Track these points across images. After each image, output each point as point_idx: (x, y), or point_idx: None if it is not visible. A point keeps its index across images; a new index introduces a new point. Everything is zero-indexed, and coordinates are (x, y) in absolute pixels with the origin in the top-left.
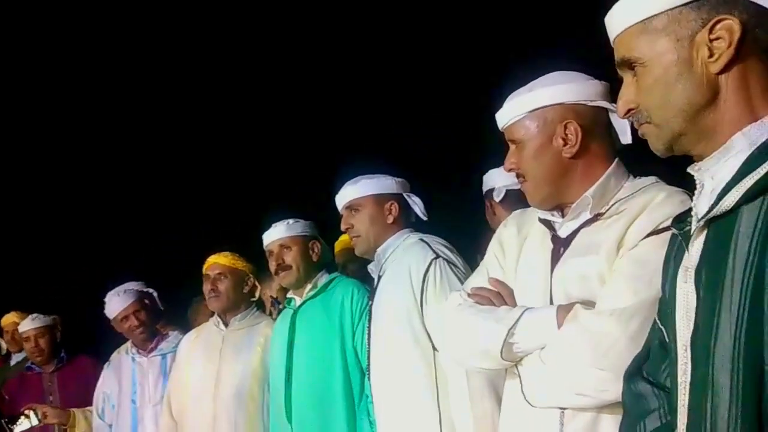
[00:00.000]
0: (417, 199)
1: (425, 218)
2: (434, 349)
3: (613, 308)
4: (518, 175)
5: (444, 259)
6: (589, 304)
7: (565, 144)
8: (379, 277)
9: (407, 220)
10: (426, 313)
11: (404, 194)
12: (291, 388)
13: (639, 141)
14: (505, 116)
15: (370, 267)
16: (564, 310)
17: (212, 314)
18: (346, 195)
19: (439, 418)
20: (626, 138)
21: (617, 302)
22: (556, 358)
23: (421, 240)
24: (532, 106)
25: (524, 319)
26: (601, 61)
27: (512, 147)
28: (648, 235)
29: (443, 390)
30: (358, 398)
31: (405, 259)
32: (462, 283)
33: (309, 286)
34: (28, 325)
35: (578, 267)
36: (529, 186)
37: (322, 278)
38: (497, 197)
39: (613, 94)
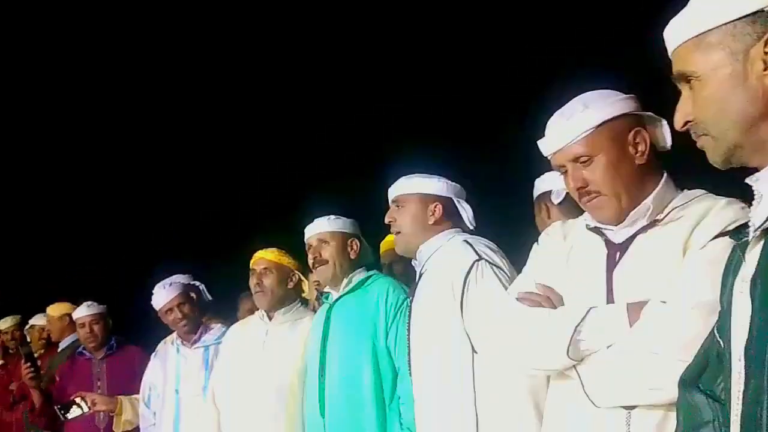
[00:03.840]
0: (467, 206)
1: (472, 227)
2: (473, 351)
3: (695, 302)
4: (587, 193)
5: (487, 261)
6: None
7: (636, 152)
8: (420, 275)
9: (454, 224)
10: (466, 315)
11: (454, 199)
12: (324, 383)
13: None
14: (564, 137)
15: (414, 262)
16: (635, 308)
17: (252, 310)
18: (395, 189)
19: (476, 422)
20: (667, 144)
21: (696, 297)
22: (630, 353)
23: (465, 241)
24: (599, 120)
25: (591, 316)
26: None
27: (575, 165)
28: (716, 237)
29: (481, 394)
30: (389, 399)
31: (447, 260)
32: (504, 285)
33: (345, 282)
34: (84, 311)
35: (642, 268)
36: (606, 200)
37: (359, 275)
38: (556, 200)
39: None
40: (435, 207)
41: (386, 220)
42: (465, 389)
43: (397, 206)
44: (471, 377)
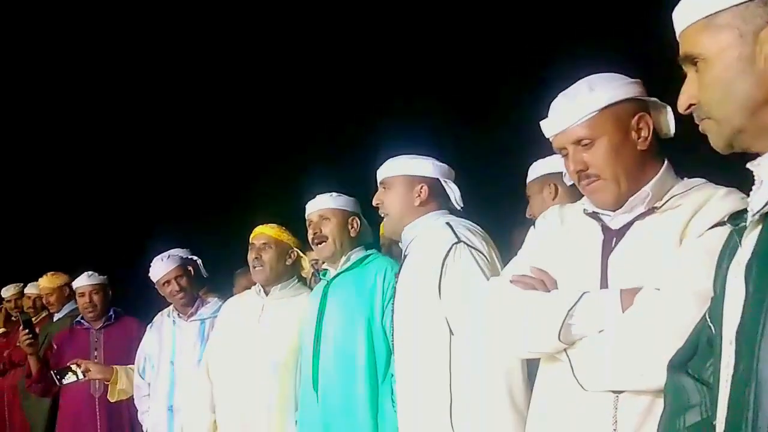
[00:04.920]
0: (454, 187)
1: (459, 207)
2: (451, 333)
3: (689, 290)
4: (587, 176)
5: (465, 243)
6: None
7: (639, 137)
8: (405, 257)
9: (440, 205)
10: (443, 297)
11: (441, 179)
12: (319, 359)
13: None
14: (567, 119)
15: (400, 245)
16: (629, 294)
17: (247, 286)
18: (381, 171)
19: (450, 403)
20: (671, 131)
21: (691, 284)
22: (622, 339)
23: (447, 224)
24: (604, 103)
25: (584, 300)
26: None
27: (576, 148)
28: (714, 226)
29: (457, 375)
30: (382, 376)
31: (428, 243)
32: (482, 268)
33: (343, 260)
34: (84, 281)
35: (639, 254)
36: (605, 184)
37: (357, 253)
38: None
39: None
40: (421, 188)
41: (374, 203)
42: (441, 370)
43: (384, 188)
44: (447, 359)
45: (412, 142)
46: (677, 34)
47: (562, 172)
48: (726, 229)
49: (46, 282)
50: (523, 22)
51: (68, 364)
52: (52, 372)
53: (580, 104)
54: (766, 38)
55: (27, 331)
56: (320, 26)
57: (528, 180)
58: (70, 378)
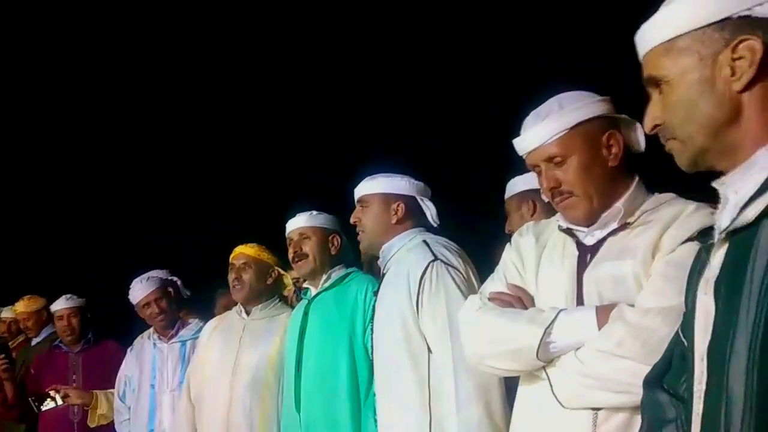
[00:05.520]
0: (430, 204)
1: (435, 225)
2: (429, 351)
3: (661, 306)
4: (560, 193)
5: (442, 261)
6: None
7: (610, 154)
8: (383, 275)
9: (417, 223)
10: (421, 315)
11: (417, 197)
12: (300, 378)
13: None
14: (539, 137)
15: (379, 263)
16: (604, 311)
17: (228, 306)
18: (359, 190)
19: (429, 421)
20: (641, 147)
21: (663, 301)
22: (598, 356)
23: (424, 242)
24: (574, 121)
25: (561, 318)
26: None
27: (548, 165)
28: (684, 242)
29: (435, 393)
30: (364, 395)
31: (405, 261)
32: (459, 286)
33: (324, 278)
34: (62, 304)
35: (612, 270)
36: (578, 201)
37: (338, 271)
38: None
39: None
40: (398, 206)
41: (351, 221)
42: (420, 388)
43: (362, 206)
44: (426, 377)
45: (391, 157)
46: (640, 57)
47: (539, 189)
48: (696, 245)
49: (23, 307)
50: (511, 27)
51: (47, 390)
52: (30, 399)
53: (551, 123)
54: (724, 61)
55: (3, 356)
56: (310, 50)
57: (506, 196)
58: (48, 404)
